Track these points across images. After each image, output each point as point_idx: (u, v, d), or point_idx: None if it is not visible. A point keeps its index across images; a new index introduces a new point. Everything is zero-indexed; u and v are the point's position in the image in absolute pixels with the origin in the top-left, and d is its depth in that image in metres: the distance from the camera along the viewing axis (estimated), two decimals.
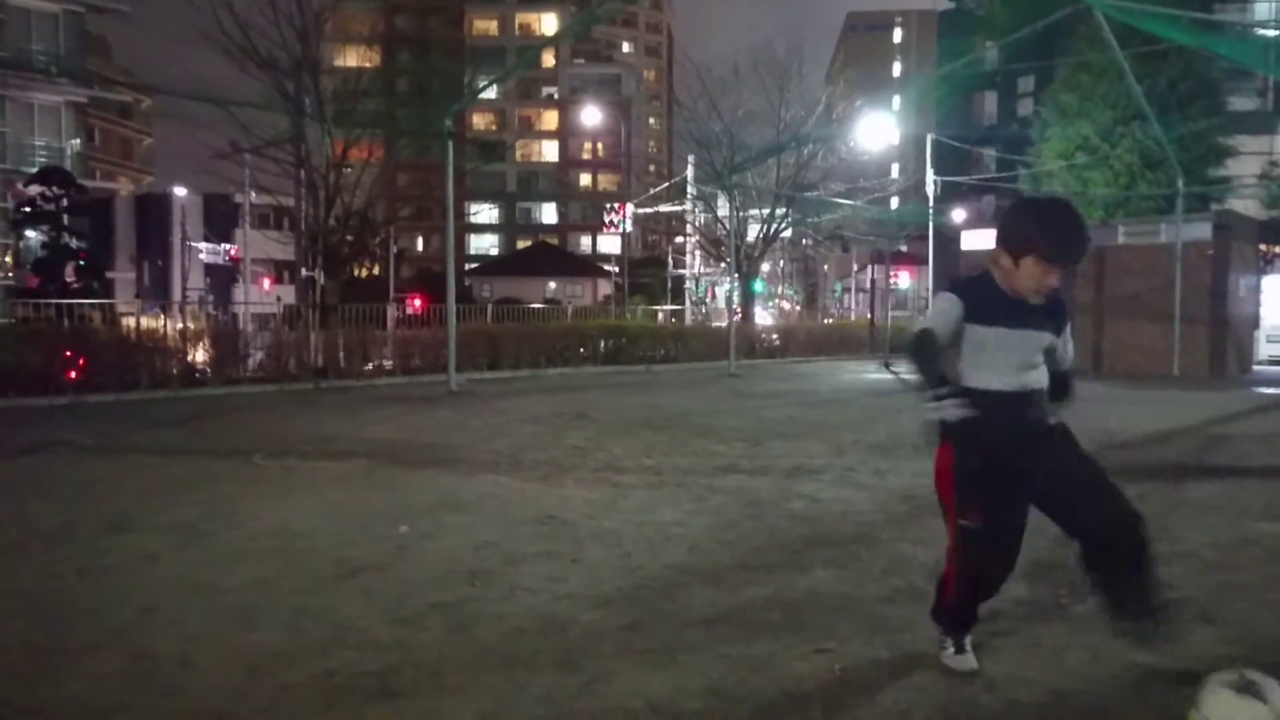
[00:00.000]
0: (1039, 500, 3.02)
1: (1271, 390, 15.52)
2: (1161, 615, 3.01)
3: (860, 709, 2.81)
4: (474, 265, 65.11)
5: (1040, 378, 3.02)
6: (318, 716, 2.76)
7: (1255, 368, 20.74)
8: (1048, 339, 3.03)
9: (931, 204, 30.52)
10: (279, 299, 26.70)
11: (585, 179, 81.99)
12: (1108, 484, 3.02)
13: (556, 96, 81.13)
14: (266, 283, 40.32)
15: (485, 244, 79.51)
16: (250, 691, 2.92)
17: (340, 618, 3.60)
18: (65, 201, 26.52)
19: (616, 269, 47.33)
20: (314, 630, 3.47)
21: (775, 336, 26.04)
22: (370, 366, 15.95)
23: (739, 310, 25.52)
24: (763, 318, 36.72)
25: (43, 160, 28.61)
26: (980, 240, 22.47)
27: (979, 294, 3.01)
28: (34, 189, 26.43)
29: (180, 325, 14.74)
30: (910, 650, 3.27)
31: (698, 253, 40.07)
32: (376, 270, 38.20)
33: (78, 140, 31.46)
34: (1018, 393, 2.95)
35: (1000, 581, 3.13)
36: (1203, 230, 19.05)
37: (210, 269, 42.09)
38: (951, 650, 3.12)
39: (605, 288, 52.46)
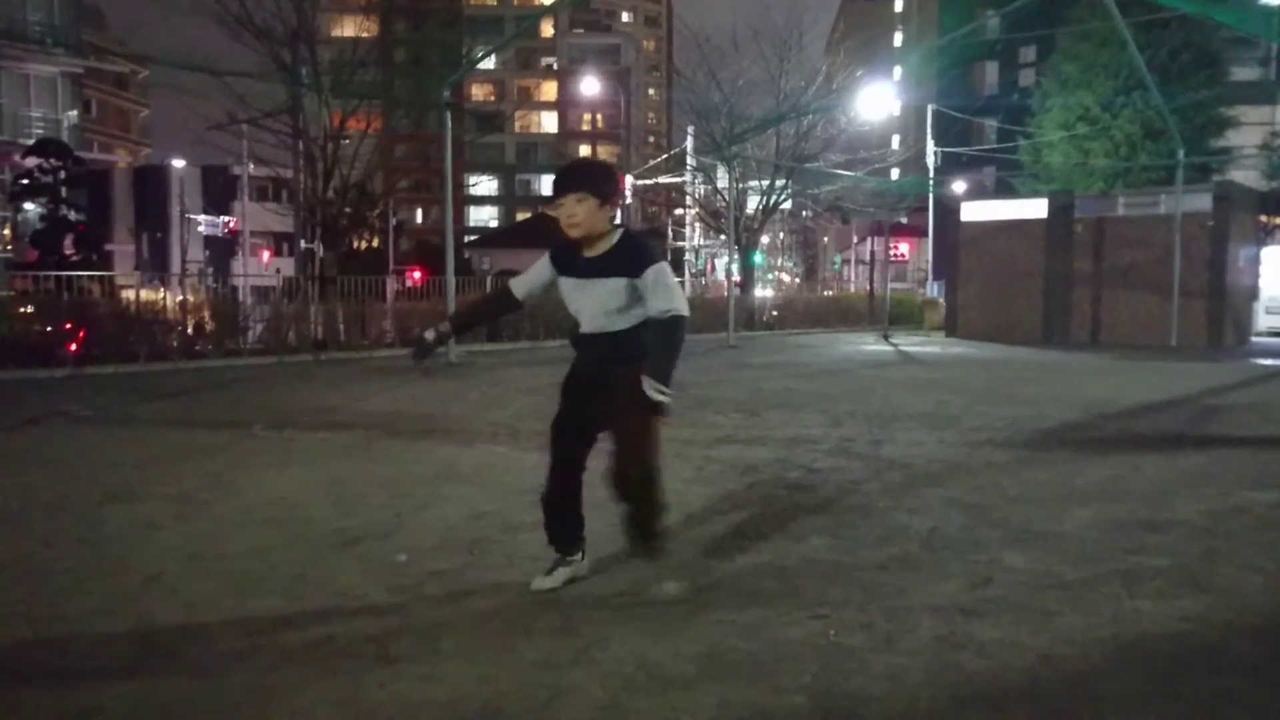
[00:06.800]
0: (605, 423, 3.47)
1: (1268, 361, 15.56)
2: (647, 543, 3.60)
3: (852, 674, 2.85)
4: (473, 237, 64.84)
5: (615, 323, 3.36)
6: (316, 681, 2.80)
7: (1253, 339, 20.77)
8: (614, 283, 3.34)
9: (932, 175, 30.41)
10: (278, 271, 26.67)
11: (584, 150, 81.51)
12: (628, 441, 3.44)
13: (555, 67, 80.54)
14: (265, 255, 40.25)
15: (484, 216, 79.23)
16: (250, 657, 2.96)
17: (339, 585, 3.64)
18: (63, 173, 26.42)
19: None
20: (313, 597, 3.51)
21: (774, 308, 26.04)
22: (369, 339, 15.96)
23: (738, 282, 25.49)
24: (762, 290, 36.66)
25: (39, 132, 28.46)
26: (980, 211, 22.43)
27: (562, 253, 3.50)
28: (31, 161, 26.32)
29: (179, 297, 14.75)
30: (903, 617, 3.30)
31: (697, 225, 39.98)
32: (375, 242, 38.05)
33: (74, 112, 31.29)
34: (591, 334, 3.42)
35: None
36: (1203, 201, 19.00)
37: (209, 241, 42.00)
38: None
39: None
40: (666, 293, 3.28)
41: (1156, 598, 3.54)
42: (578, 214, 3.32)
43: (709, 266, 44.16)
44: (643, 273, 3.29)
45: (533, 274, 3.59)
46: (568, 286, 3.45)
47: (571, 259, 3.43)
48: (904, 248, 44.13)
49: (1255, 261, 21.57)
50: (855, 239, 49.61)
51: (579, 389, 3.53)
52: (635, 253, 3.35)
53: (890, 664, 2.92)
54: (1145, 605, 3.46)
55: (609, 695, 2.70)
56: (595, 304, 3.35)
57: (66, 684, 2.80)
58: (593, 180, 3.38)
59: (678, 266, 39.71)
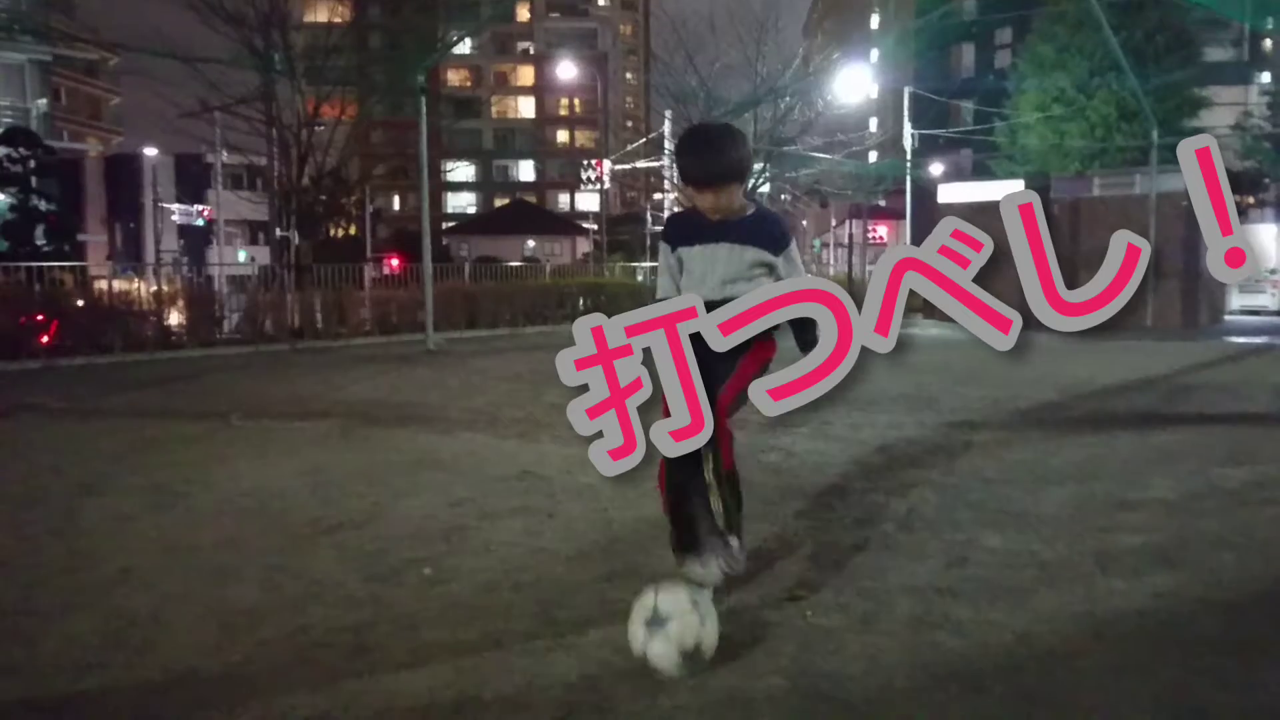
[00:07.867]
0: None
1: (1241, 339, 15.74)
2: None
3: (829, 655, 2.85)
4: (451, 224, 64.54)
5: (741, 291, 2.97)
6: (292, 671, 2.78)
7: (1226, 318, 20.99)
8: (753, 253, 3.15)
9: (909, 158, 30.45)
10: (253, 260, 26.45)
11: (562, 135, 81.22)
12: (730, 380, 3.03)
13: (532, 51, 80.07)
14: (241, 254, 39.86)
15: (462, 202, 78.77)
16: (225, 648, 2.94)
17: (315, 575, 3.62)
18: (32, 163, 26.06)
19: (595, 226, 47.10)
20: (289, 587, 3.49)
21: None
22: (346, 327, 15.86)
23: None
24: None
25: (8, 121, 28.13)
26: (958, 193, 22.52)
27: (680, 224, 3.34)
28: None
29: (154, 287, 14.59)
30: (880, 597, 3.32)
31: (676, 208, 39.84)
32: (352, 230, 37.86)
33: (43, 100, 30.91)
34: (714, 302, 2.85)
35: None
36: (1177, 182, 18.96)
37: (183, 230, 41.60)
38: None
39: (584, 245, 52.16)
40: (798, 268, 3.18)
41: (1130, 575, 3.57)
42: (722, 201, 3.14)
43: None
44: (785, 250, 3.17)
45: (666, 272, 3.31)
46: (691, 255, 3.20)
47: (690, 227, 3.23)
48: (882, 230, 44.22)
49: None
50: (834, 222, 49.65)
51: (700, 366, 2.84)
52: (776, 228, 3.23)
53: (867, 644, 2.93)
54: (1119, 583, 3.49)
55: (586, 681, 2.70)
56: (725, 269, 3.13)
57: (37, 677, 2.77)
58: (743, 169, 3.19)
59: (657, 251, 39.65)
